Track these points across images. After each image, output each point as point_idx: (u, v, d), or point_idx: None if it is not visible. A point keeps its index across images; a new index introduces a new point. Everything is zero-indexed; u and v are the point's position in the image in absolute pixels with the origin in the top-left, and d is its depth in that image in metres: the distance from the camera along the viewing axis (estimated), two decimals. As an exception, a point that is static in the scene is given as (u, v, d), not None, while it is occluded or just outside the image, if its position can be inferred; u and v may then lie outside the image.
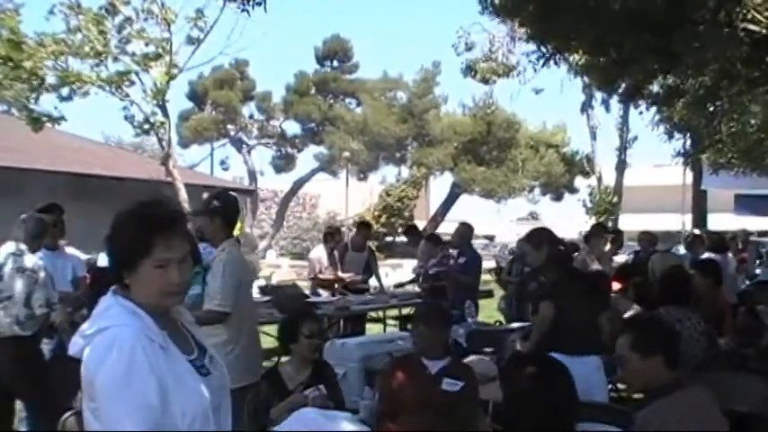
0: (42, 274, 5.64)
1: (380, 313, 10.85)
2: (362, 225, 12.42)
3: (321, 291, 10.64)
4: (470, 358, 5.23)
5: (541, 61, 10.64)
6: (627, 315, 6.71)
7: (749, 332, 5.66)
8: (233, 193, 5.52)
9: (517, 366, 2.84)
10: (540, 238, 5.82)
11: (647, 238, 11.63)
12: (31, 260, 5.64)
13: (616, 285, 7.38)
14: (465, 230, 9.90)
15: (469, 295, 8.88)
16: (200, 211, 5.22)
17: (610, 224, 27.33)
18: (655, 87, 14.05)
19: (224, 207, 5.14)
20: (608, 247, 10.24)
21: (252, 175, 45.60)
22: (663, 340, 3.13)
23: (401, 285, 12.20)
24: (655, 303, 5.74)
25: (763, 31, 9.80)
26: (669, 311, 5.16)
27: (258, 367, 5.09)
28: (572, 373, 2.85)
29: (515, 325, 6.53)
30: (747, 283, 10.63)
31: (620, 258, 12.79)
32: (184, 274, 2.26)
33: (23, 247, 5.65)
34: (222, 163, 48.36)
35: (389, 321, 10.95)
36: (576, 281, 5.57)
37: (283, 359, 4.42)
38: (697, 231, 12.78)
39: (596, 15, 9.17)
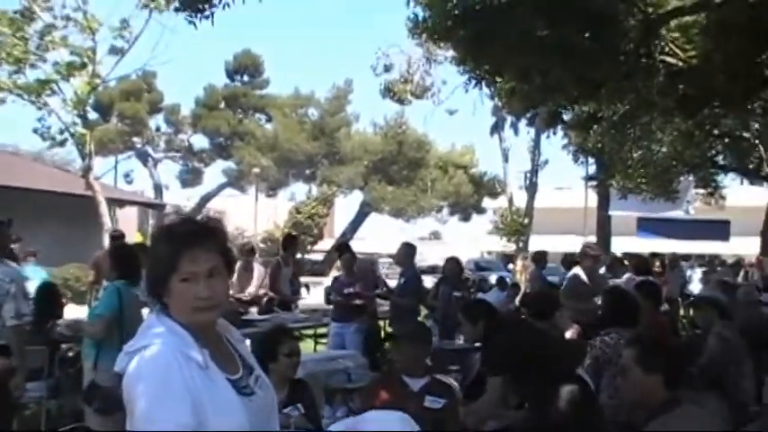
0: (14, 286, 5.45)
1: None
2: (293, 239, 12.47)
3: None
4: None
5: (473, 82, 10.88)
6: (567, 334, 6.92)
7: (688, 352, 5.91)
8: None
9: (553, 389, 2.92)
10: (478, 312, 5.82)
11: (570, 261, 11.93)
12: (2, 270, 5.45)
13: None
14: (409, 250, 9.87)
15: (410, 315, 8.89)
16: None
17: (520, 245, 28.10)
18: (567, 115, 14.53)
19: None
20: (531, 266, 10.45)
21: (157, 189, 44.82)
22: (667, 360, 3.30)
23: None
24: (598, 324, 5.90)
25: (680, 63, 10.30)
26: (617, 332, 5.32)
27: None
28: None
29: (480, 344, 6.58)
30: (666, 306, 11.01)
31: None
32: (215, 288, 2.22)
33: None
34: (126, 176, 47.36)
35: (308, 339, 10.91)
36: None
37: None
38: (618, 254, 13.22)
39: (526, 43, 9.44)
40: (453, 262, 10.68)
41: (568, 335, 6.89)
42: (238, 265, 10.73)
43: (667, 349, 3.41)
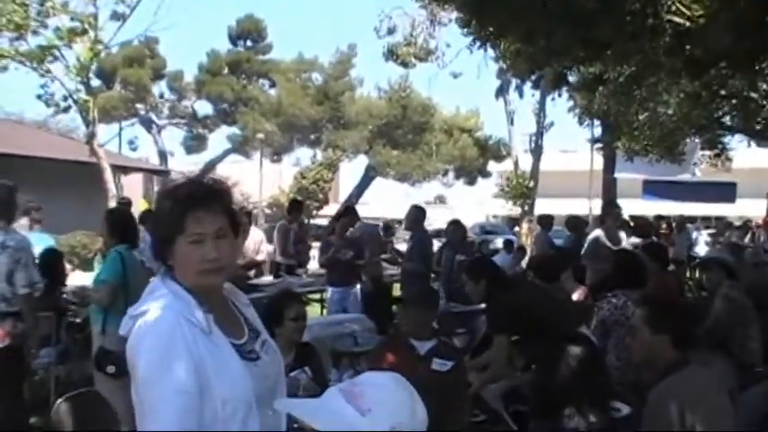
0: (24, 254, 5.47)
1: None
2: (298, 204, 12.51)
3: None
4: None
5: (477, 44, 10.80)
6: (574, 296, 6.93)
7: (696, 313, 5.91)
8: None
9: (561, 349, 2.92)
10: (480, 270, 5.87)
11: (574, 222, 11.98)
12: (13, 238, 5.47)
13: None
14: (418, 213, 9.70)
15: (417, 279, 8.78)
16: None
17: (526, 208, 28.05)
18: (573, 77, 14.42)
19: None
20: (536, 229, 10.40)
21: (162, 156, 44.79)
22: (675, 321, 3.31)
23: None
24: (606, 285, 5.90)
25: (687, 23, 10.19)
26: (624, 293, 5.33)
27: None
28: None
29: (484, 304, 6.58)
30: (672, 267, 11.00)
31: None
32: (222, 250, 2.20)
33: (3, 223, 5.47)
34: (131, 143, 47.32)
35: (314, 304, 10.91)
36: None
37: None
38: (624, 217, 13.17)
39: (530, 4, 9.35)
40: (455, 225, 10.45)
41: (575, 297, 6.90)
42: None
43: (676, 310, 3.42)
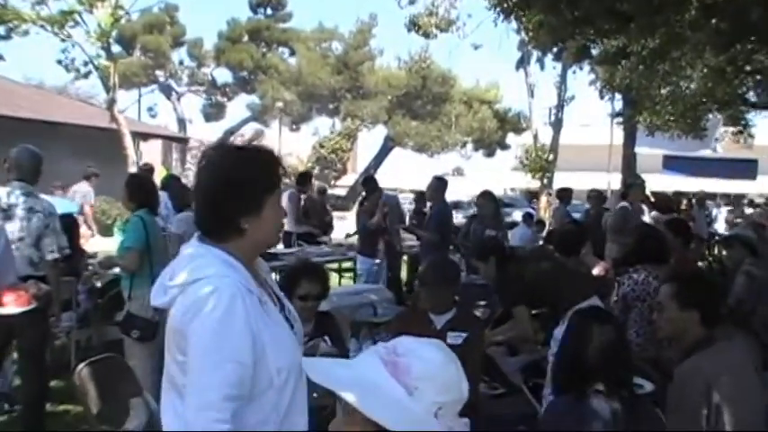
0: (53, 220, 5.50)
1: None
2: (309, 177, 12.58)
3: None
4: None
5: (501, 16, 10.71)
6: (595, 271, 6.89)
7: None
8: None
9: (586, 324, 2.91)
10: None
11: (596, 196, 11.91)
12: (41, 203, 5.50)
13: None
14: (439, 184, 9.54)
15: (434, 250, 8.70)
16: None
17: (545, 181, 27.92)
18: (596, 50, 14.27)
19: None
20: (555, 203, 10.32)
21: (181, 123, 44.80)
22: (703, 297, 3.28)
23: (350, 236, 12.10)
24: (628, 261, 5.86)
25: (715, -4, 10.04)
26: (645, 269, 5.29)
27: None
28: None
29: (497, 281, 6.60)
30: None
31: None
32: None
33: (31, 188, 5.49)
34: (150, 109, 47.26)
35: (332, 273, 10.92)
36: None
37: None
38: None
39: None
40: (486, 199, 9.89)
41: (595, 271, 6.87)
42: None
43: (705, 286, 3.39)
